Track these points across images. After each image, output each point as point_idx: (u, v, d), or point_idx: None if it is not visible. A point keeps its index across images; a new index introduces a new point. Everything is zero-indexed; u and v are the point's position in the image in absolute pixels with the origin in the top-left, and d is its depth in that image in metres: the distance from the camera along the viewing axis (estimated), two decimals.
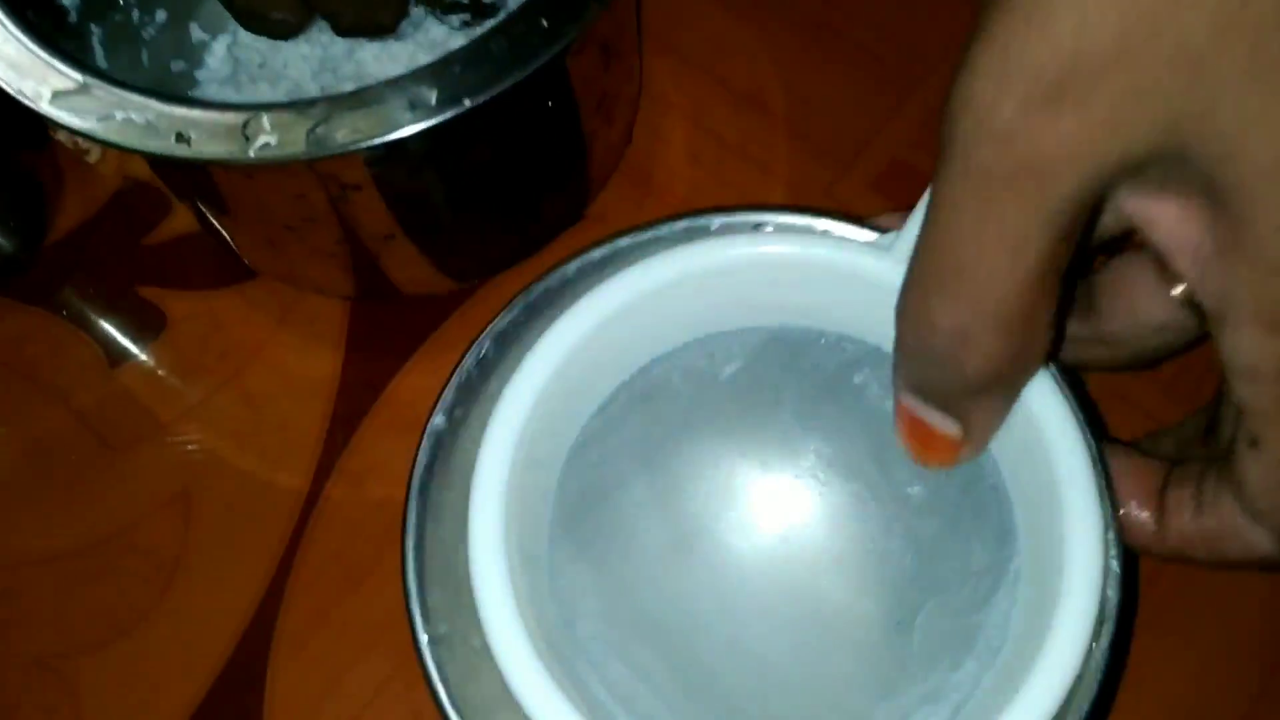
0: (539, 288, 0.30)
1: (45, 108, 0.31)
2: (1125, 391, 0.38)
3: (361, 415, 0.39)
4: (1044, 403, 0.27)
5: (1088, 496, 0.26)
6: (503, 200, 0.37)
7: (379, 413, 0.39)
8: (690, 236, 0.30)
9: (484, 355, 0.30)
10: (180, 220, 0.42)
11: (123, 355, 0.41)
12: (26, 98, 0.31)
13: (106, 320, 0.41)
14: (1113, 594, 0.26)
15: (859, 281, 0.28)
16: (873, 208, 0.40)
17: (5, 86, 0.31)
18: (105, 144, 0.31)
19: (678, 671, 0.29)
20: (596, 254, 0.30)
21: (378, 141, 0.29)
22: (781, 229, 0.30)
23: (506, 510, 0.26)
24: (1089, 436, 0.27)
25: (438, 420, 0.29)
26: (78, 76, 0.31)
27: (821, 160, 0.42)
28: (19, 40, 0.31)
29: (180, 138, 0.30)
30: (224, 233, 0.38)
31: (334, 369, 0.40)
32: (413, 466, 0.29)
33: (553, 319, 0.28)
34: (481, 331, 0.30)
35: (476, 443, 0.27)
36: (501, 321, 0.30)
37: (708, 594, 0.30)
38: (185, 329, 0.41)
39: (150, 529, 0.38)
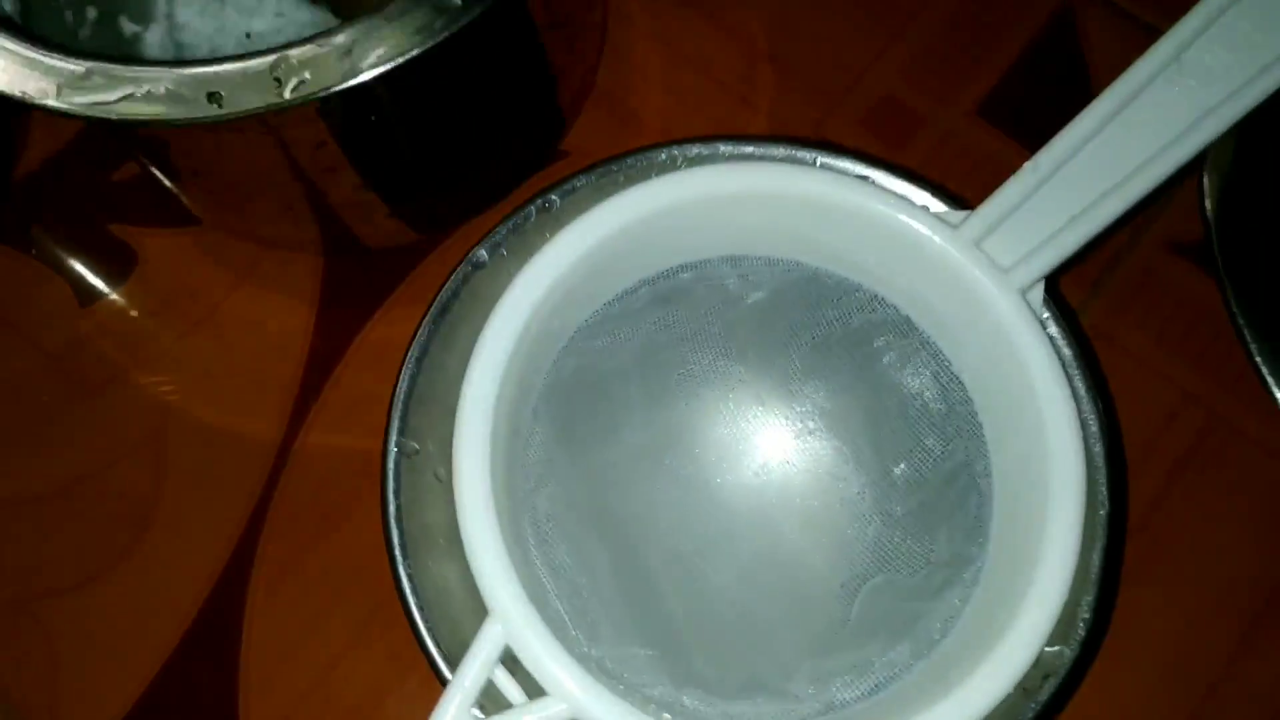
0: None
1: (58, 103, 0.28)
2: (1113, 334, 0.38)
3: (335, 362, 0.38)
4: (1051, 399, 0.26)
5: (1073, 529, 0.26)
6: (472, 139, 0.36)
7: (352, 360, 0.38)
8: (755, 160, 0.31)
9: (545, 205, 0.30)
10: None
11: (94, 294, 0.40)
12: (34, 99, 0.28)
13: (77, 258, 0.40)
14: (1068, 651, 0.26)
15: (917, 250, 0.28)
16: (863, 144, 0.40)
17: (7, 92, 0.29)
18: (136, 123, 0.29)
19: (620, 574, 0.29)
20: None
21: (416, 52, 0.28)
22: (853, 175, 0.30)
23: (506, 371, 0.26)
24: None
25: (479, 253, 0.30)
26: (78, 64, 0.29)
27: (809, 97, 0.41)
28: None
29: (212, 98, 0.28)
30: (177, 192, 0.37)
31: (308, 314, 0.39)
32: (440, 288, 0.30)
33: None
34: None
35: (502, 292, 0.27)
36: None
37: (669, 508, 0.31)
38: (157, 267, 0.40)
39: (123, 472, 0.38)
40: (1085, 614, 0.26)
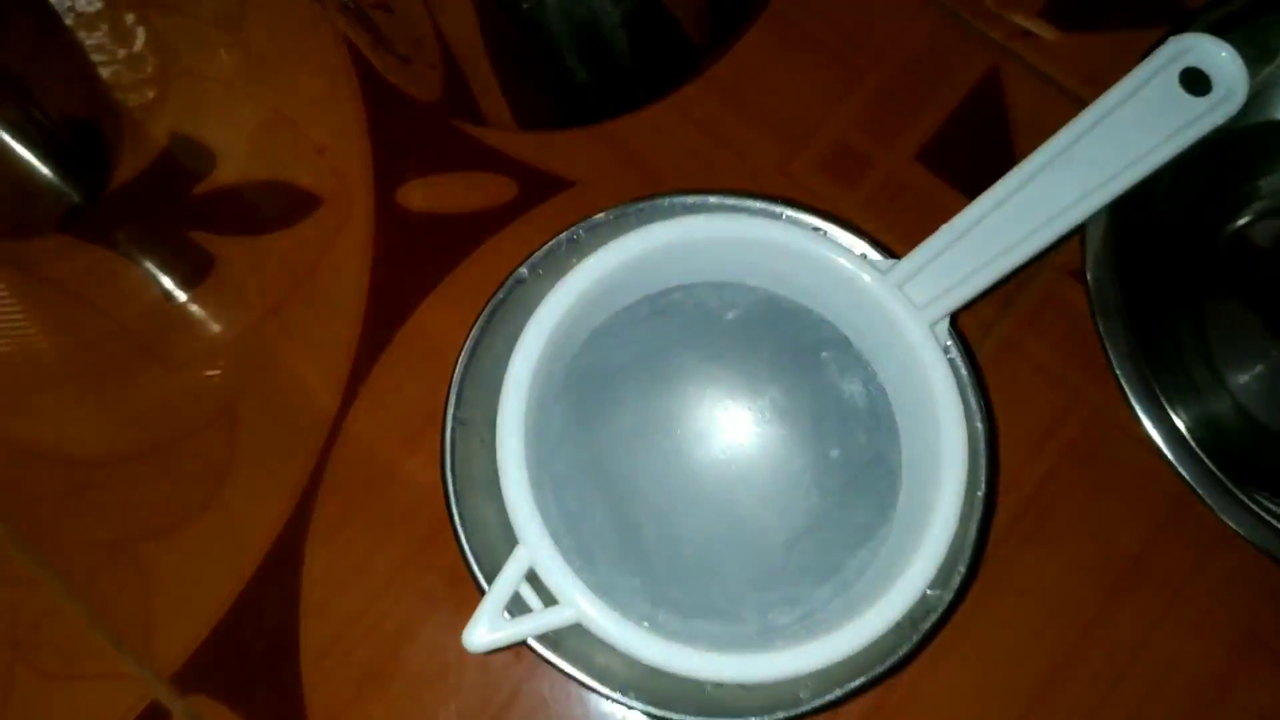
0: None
1: None
2: (1020, 344, 0.46)
3: (386, 344, 0.46)
4: (946, 408, 0.35)
5: (954, 506, 0.34)
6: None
7: (400, 342, 0.46)
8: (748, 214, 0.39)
9: (572, 238, 0.39)
10: (224, 173, 0.48)
11: (175, 289, 0.47)
12: None
13: (160, 259, 0.48)
14: (947, 596, 0.34)
15: (854, 288, 0.37)
16: (820, 185, 0.48)
17: None
18: None
19: (615, 519, 0.37)
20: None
21: None
22: (810, 226, 0.39)
23: (539, 363, 0.35)
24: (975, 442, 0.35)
25: (522, 271, 0.38)
26: None
27: (777, 141, 0.49)
28: None
29: None
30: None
31: (360, 306, 0.46)
32: (489, 299, 0.38)
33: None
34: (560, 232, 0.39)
35: (538, 302, 0.35)
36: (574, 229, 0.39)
37: (655, 472, 0.39)
38: (230, 268, 0.47)
39: (202, 438, 0.45)
40: (961, 568, 0.35)
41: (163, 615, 0.43)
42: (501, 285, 0.37)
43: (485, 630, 0.32)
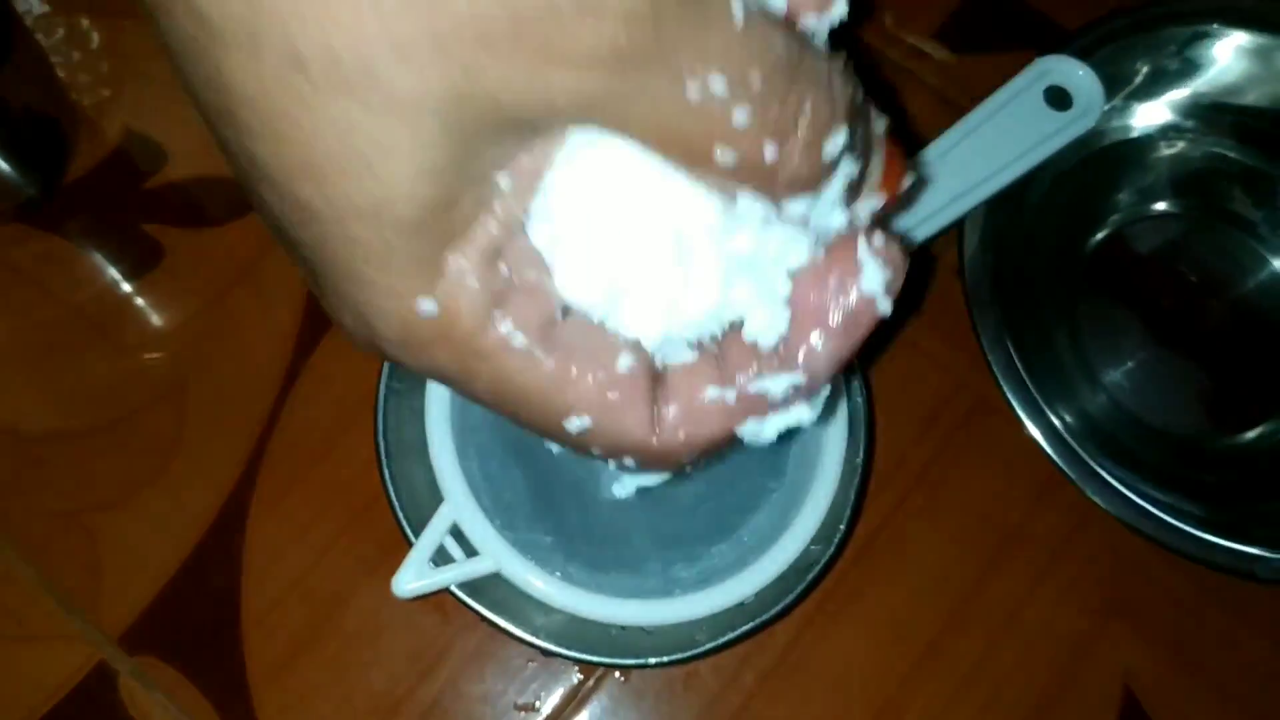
0: None
1: None
2: (916, 341, 0.50)
3: (327, 329, 0.49)
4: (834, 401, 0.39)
5: (835, 470, 0.38)
6: None
7: (337, 329, 0.49)
8: None
9: None
10: (175, 169, 0.51)
11: (127, 276, 0.50)
12: None
13: (113, 248, 0.50)
14: (829, 550, 0.39)
15: None
16: None
17: None
18: None
19: (533, 485, 0.41)
20: None
21: None
22: None
23: None
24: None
25: None
26: None
27: None
28: None
29: None
30: None
31: (301, 294, 0.49)
32: None
33: None
34: None
35: None
36: None
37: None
38: (179, 258, 0.50)
39: (151, 415, 0.48)
40: (841, 526, 0.39)
41: (111, 580, 0.46)
42: None
43: (412, 577, 0.35)
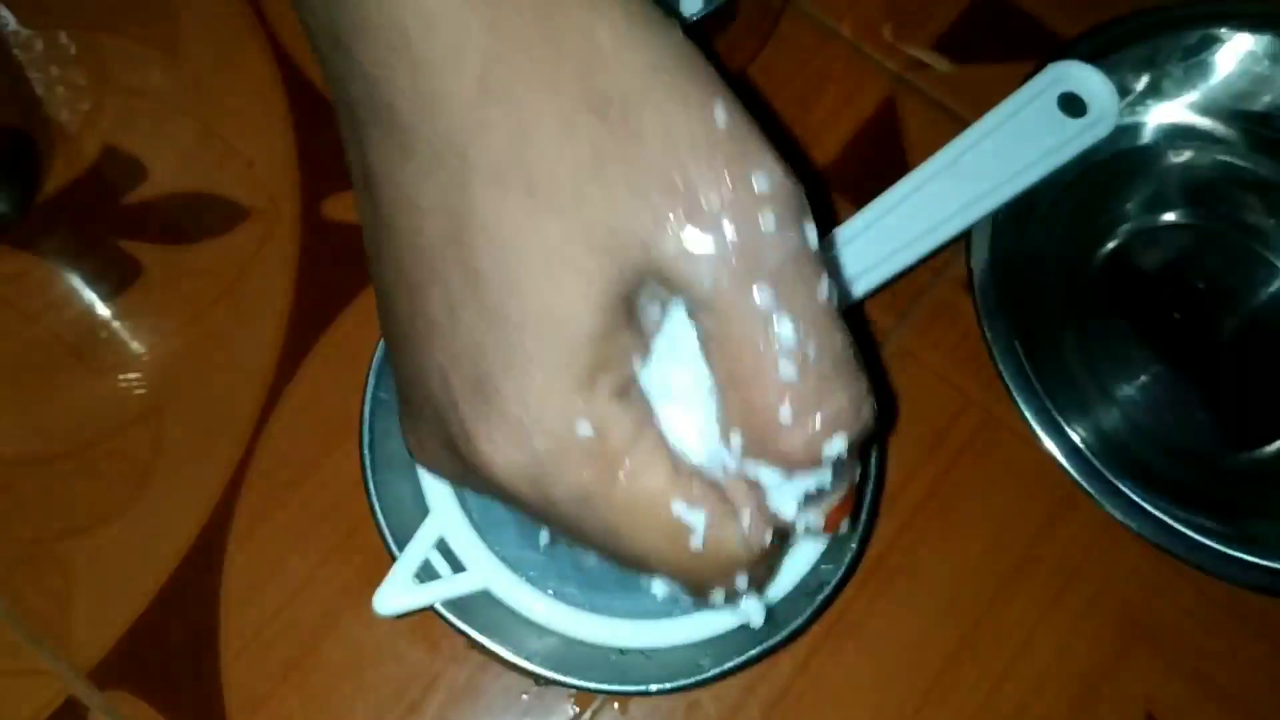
0: None
1: None
2: (916, 352, 0.49)
3: (308, 350, 0.47)
4: None
5: None
6: None
7: (323, 348, 0.47)
8: None
9: None
10: (153, 186, 0.50)
11: (103, 296, 0.48)
12: None
13: (89, 267, 0.49)
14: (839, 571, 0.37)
15: None
16: None
17: None
18: None
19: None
20: None
21: None
22: None
23: None
24: None
25: None
26: None
27: None
28: None
29: None
30: None
31: (283, 314, 0.48)
32: None
33: None
34: None
35: None
36: None
37: None
38: (157, 277, 0.48)
39: (125, 438, 0.46)
40: (852, 545, 0.37)
41: (82, 611, 0.44)
42: None
43: (395, 594, 0.33)
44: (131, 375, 0.47)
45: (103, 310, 0.48)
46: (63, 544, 0.44)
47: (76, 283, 0.48)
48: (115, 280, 0.48)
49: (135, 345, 0.47)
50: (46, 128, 0.50)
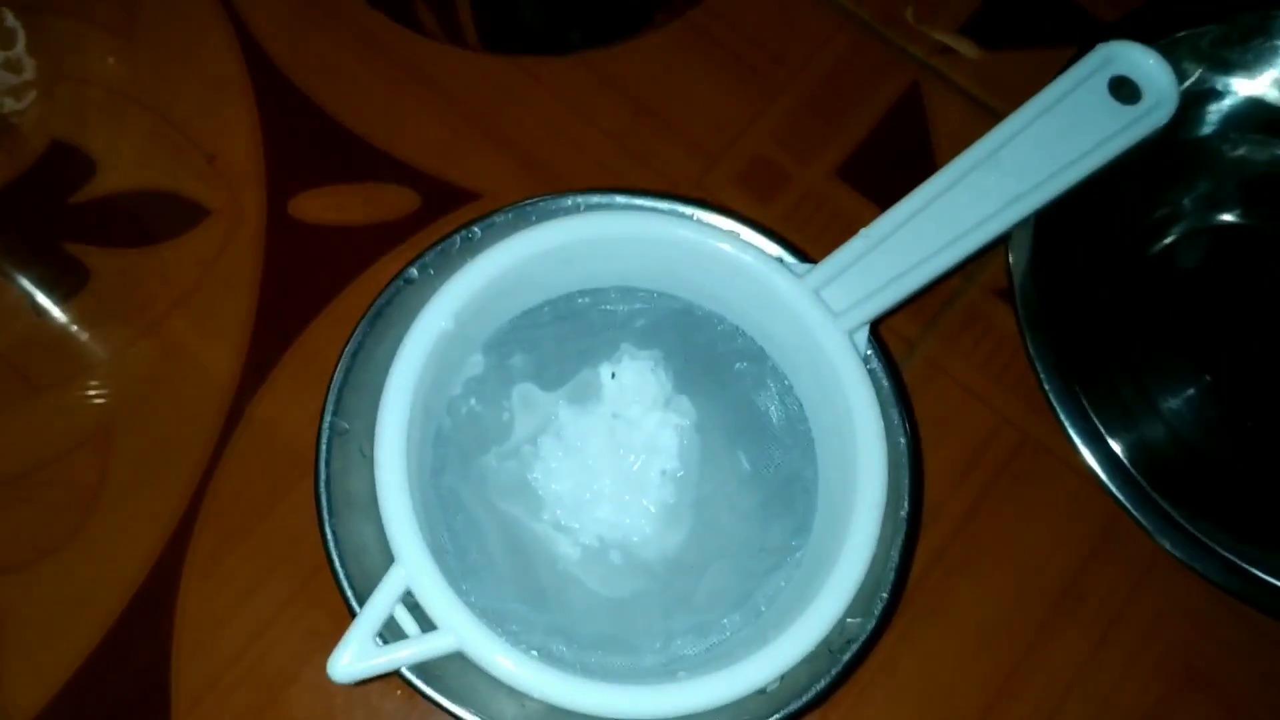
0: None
1: None
2: (945, 364, 0.44)
3: (274, 364, 0.43)
4: (865, 421, 0.32)
5: (871, 528, 0.32)
6: None
7: (289, 362, 0.43)
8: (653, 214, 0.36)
9: (467, 236, 0.36)
10: (104, 182, 0.45)
11: (47, 305, 0.44)
12: None
13: (32, 272, 0.44)
14: (869, 624, 0.32)
15: (769, 293, 0.34)
16: (736, 200, 0.46)
17: None
18: None
19: (506, 541, 0.34)
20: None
21: None
22: (722, 228, 0.36)
23: (425, 366, 0.31)
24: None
25: (411, 271, 0.35)
26: None
27: (692, 153, 0.47)
28: None
29: None
30: None
31: (247, 323, 0.43)
32: (374, 299, 0.35)
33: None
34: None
35: (425, 299, 0.32)
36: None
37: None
38: (107, 283, 0.44)
39: (71, 463, 0.42)
40: (883, 594, 0.32)
41: (17, 659, 0.39)
42: (388, 285, 0.35)
43: (352, 657, 0.28)
44: (77, 392, 0.43)
45: (46, 320, 0.44)
46: None
47: (17, 289, 0.44)
48: (60, 287, 0.44)
49: (82, 360, 0.43)
50: None
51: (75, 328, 0.44)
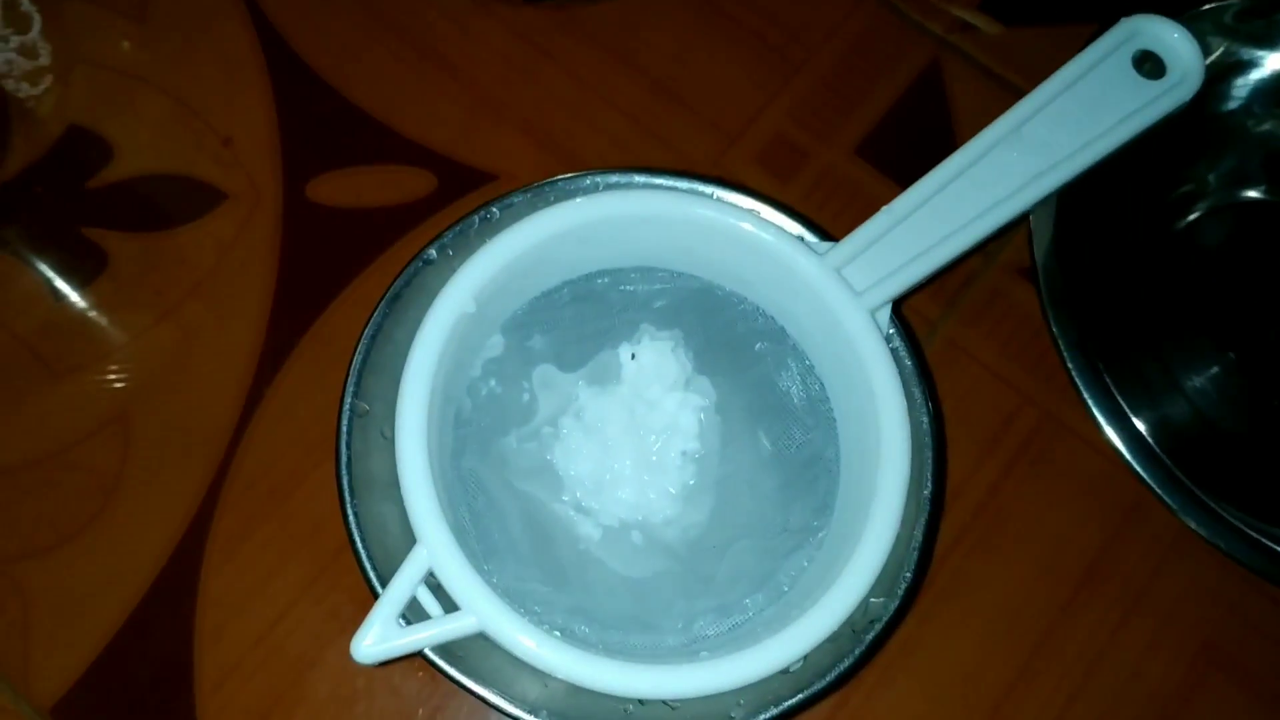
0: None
1: None
2: (965, 344, 0.44)
3: (292, 347, 0.43)
4: (887, 400, 0.32)
5: (894, 507, 0.31)
6: None
7: (308, 345, 0.43)
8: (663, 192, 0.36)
9: (486, 216, 0.36)
10: (122, 166, 0.45)
11: (66, 290, 0.44)
12: None
13: (50, 257, 0.44)
14: (892, 604, 0.32)
15: (790, 272, 0.34)
16: (755, 179, 0.46)
17: None
18: None
19: (529, 522, 0.34)
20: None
21: None
22: (743, 207, 0.36)
23: (445, 347, 0.31)
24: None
25: (430, 251, 0.35)
26: None
27: (710, 133, 0.46)
28: None
29: None
30: None
31: (265, 307, 0.43)
32: (394, 280, 0.34)
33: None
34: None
35: (444, 280, 0.32)
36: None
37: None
38: (125, 267, 0.44)
39: (91, 447, 0.42)
40: (907, 573, 0.32)
41: (41, 641, 0.39)
42: (407, 266, 0.34)
43: (375, 638, 0.28)
44: (96, 377, 0.42)
45: (65, 305, 0.44)
46: (19, 567, 0.40)
47: (36, 275, 0.44)
48: (79, 271, 0.44)
49: (100, 344, 0.43)
50: (4, 104, 0.46)
51: (94, 312, 0.43)
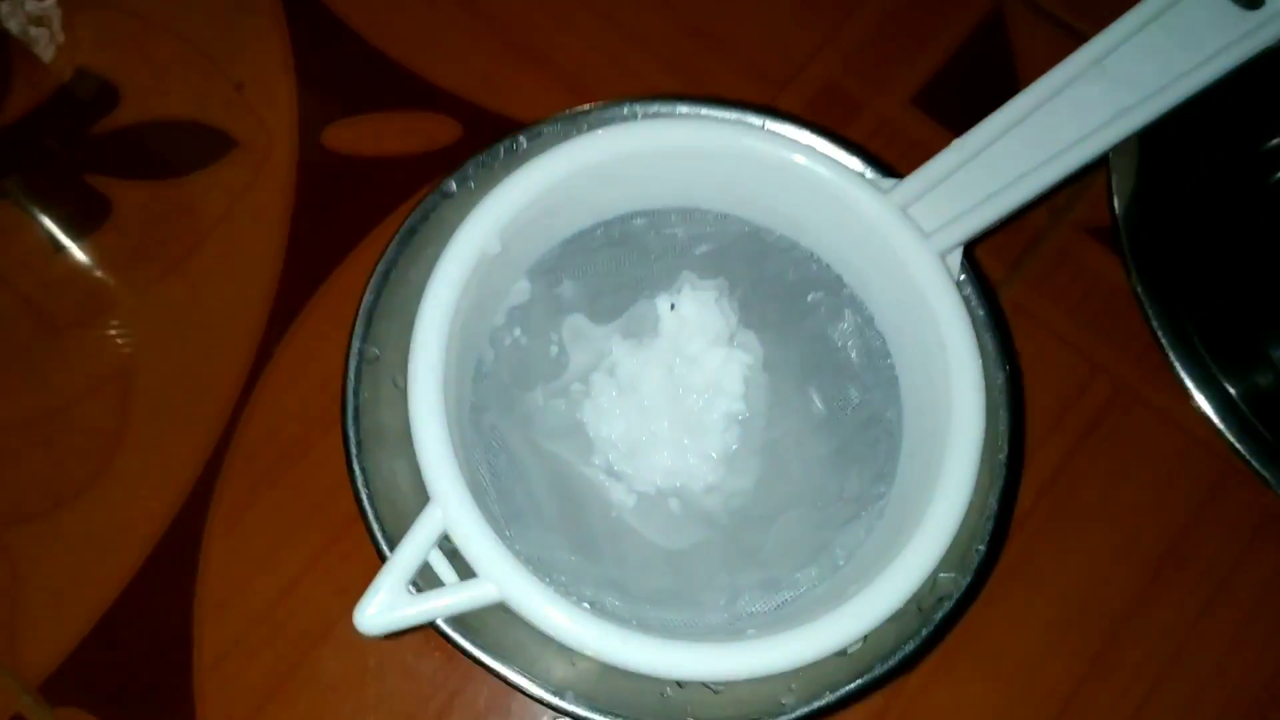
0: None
1: None
2: (1032, 309, 0.41)
3: (304, 303, 0.40)
4: (960, 352, 0.29)
5: (968, 470, 0.28)
6: None
7: (321, 301, 0.40)
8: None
9: (512, 146, 0.33)
10: (128, 111, 0.43)
11: (67, 241, 0.41)
12: None
13: (52, 206, 0.42)
14: (963, 579, 0.29)
15: (850, 211, 0.31)
16: None
17: None
18: None
19: (555, 484, 0.31)
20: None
21: None
22: (796, 140, 0.32)
23: (464, 287, 0.28)
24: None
25: (449, 183, 0.32)
26: None
27: (754, 82, 0.43)
28: None
29: None
30: None
31: (276, 261, 0.41)
32: (409, 214, 0.32)
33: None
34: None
35: (464, 215, 0.29)
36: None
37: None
38: (130, 217, 0.42)
39: (90, 406, 0.39)
40: (980, 545, 0.29)
41: (33, 613, 0.37)
42: (424, 199, 0.31)
43: (381, 606, 0.25)
44: (98, 332, 0.40)
45: (66, 256, 0.41)
46: (11, 532, 0.38)
47: (37, 225, 0.42)
48: (81, 221, 0.42)
49: (102, 298, 0.41)
50: (6, 46, 0.44)
51: (97, 265, 0.41)
